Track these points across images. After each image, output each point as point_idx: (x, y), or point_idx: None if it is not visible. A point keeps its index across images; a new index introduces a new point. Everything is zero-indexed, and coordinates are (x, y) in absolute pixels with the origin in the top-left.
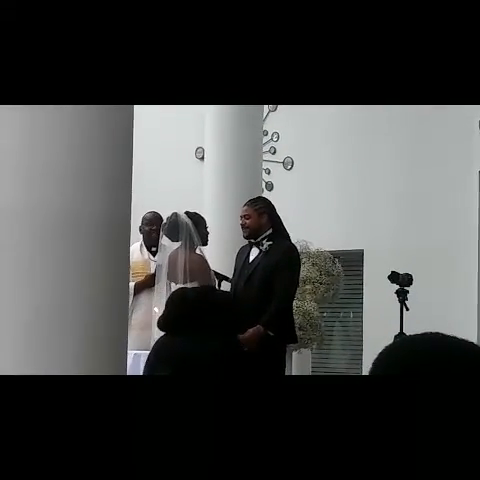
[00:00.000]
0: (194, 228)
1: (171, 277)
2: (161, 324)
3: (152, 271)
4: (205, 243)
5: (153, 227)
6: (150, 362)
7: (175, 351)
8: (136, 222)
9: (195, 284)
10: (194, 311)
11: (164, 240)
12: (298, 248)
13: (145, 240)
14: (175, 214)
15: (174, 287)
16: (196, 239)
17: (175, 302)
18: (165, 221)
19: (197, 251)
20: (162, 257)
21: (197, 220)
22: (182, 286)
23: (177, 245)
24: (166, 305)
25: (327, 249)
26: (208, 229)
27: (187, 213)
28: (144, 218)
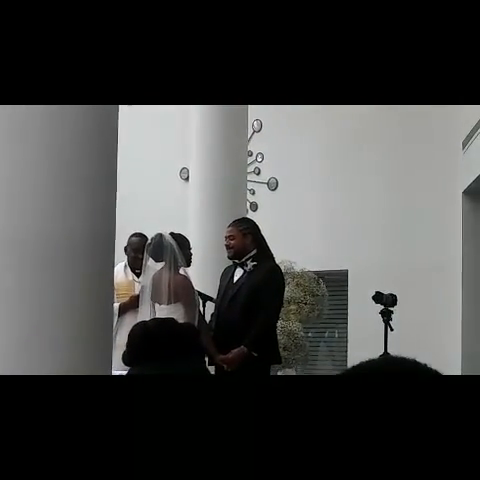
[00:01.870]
0: (178, 249)
1: (155, 298)
2: (126, 359)
3: (136, 292)
4: (189, 264)
5: (139, 255)
6: None
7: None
8: (120, 242)
9: (179, 305)
10: (155, 342)
11: (149, 261)
12: (282, 268)
13: (130, 263)
14: (160, 235)
15: (158, 308)
16: (180, 260)
17: (136, 336)
18: (149, 241)
19: (181, 272)
20: (146, 278)
21: (181, 241)
22: (166, 307)
23: (160, 265)
24: (128, 340)
25: (311, 269)
26: (192, 250)
27: (172, 234)
28: (130, 243)
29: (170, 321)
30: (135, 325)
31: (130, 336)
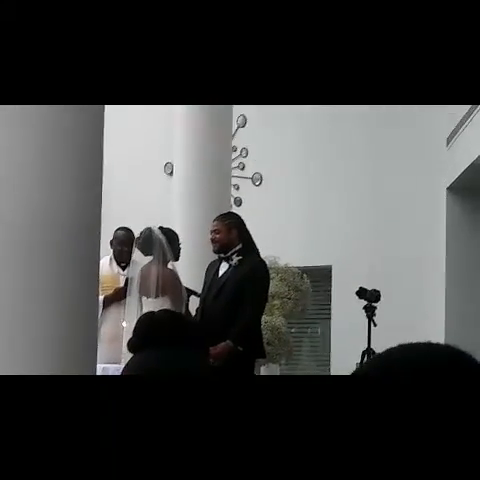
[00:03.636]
0: (167, 244)
1: (143, 291)
2: (131, 346)
3: (121, 285)
4: (177, 258)
5: (125, 248)
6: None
7: (145, 364)
8: (104, 236)
9: (167, 299)
10: (163, 331)
11: (136, 254)
12: (267, 263)
13: (116, 257)
14: (149, 229)
15: (145, 301)
16: (169, 254)
17: (143, 324)
18: (138, 235)
19: (169, 266)
20: (133, 270)
21: (170, 236)
22: (154, 300)
23: (148, 259)
24: (135, 328)
25: (295, 265)
26: (181, 245)
27: (161, 228)
28: (116, 236)
29: (178, 314)
30: (144, 315)
31: (138, 324)
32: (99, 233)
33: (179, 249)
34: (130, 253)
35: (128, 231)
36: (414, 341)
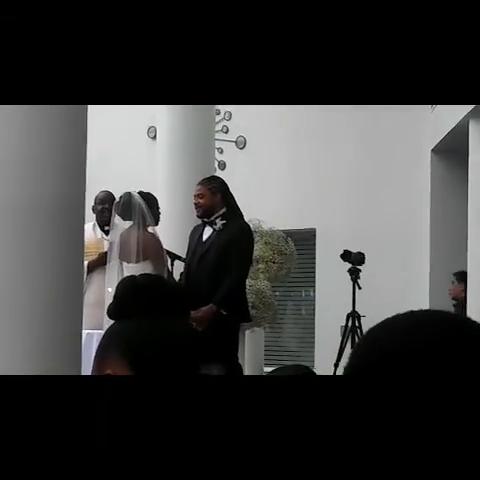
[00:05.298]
0: (147, 208)
1: (123, 256)
2: (111, 312)
3: (105, 250)
4: (157, 223)
5: (105, 205)
6: (101, 348)
7: (126, 333)
8: (88, 202)
9: (148, 263)
10: (145, 296)
11: (116, 219)
12: (251, 227)
13: (98, 219)
14: (128, 194)
15: (126, 266)
16: (149, 219)
17: (124, 289)
18: (118, 200)
19: (150, 230)
20: (114, 235)
21: (150, 200)
22: (135, 265)
23: (128, 224)
24: (115, 293)
25: (279, 228)
26: (160, 210)
27: (140, 193)
28: (96, 197)
29: (159, 278)
30: (124, 279)
31: (118, 289)
32: (83, 199)
33: (159, 214)
34: (111, 210)
35: (108, 192)
36: (398, 303)
